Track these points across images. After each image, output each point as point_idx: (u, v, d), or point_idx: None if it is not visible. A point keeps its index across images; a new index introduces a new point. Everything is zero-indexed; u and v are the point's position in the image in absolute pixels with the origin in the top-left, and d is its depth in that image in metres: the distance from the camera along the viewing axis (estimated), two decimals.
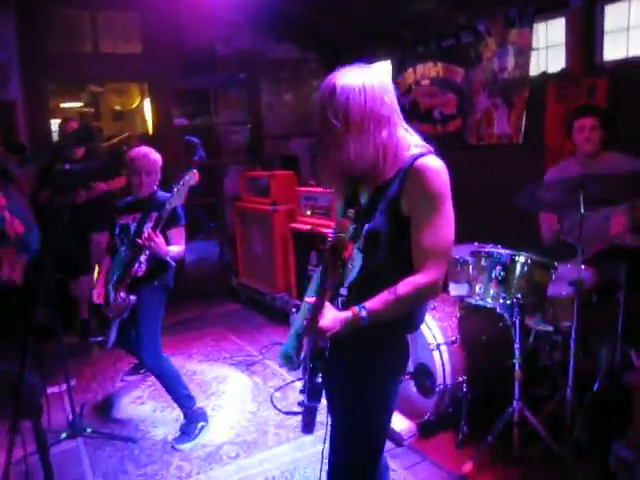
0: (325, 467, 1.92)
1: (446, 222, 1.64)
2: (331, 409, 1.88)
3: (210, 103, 6.37)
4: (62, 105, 8.89)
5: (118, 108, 9.25)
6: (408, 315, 1.74)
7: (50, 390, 3.48)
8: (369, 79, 1.61)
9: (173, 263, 3.35)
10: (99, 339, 3.33)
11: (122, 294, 3.22)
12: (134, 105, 8.90)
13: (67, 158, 4.79)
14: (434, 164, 1.64)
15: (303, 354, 1.89)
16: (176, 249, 3.25)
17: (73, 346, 4.54)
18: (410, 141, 1.71)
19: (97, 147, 4.84)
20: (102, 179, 4.73)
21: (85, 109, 9.51)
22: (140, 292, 3.26)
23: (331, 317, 1.59)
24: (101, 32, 5.79)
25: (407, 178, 1.64)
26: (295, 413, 3.46)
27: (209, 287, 6.11)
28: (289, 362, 1.98)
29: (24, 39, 5.35)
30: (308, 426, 1.75)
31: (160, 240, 3.06)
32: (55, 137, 5.88)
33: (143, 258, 3.23)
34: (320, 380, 1.70)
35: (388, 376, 1.80)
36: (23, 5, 5.30)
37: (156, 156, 3.39)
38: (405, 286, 1.61)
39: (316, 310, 1.59)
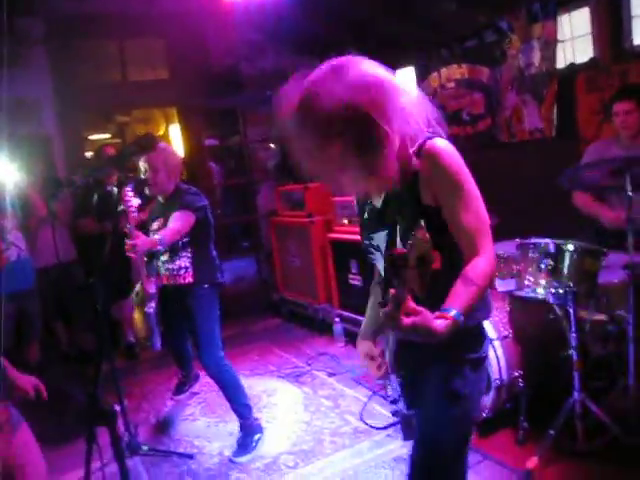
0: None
1: (476, 197, 1.60)
2: (419, 408, 1.82)
3: (239, 122, 6.46)
4: (90, 137, 9.10)
5: None
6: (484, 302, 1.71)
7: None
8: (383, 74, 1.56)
9: (216, 262, 3.42)
10: (147, 343, 3.39)
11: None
12: (160, 132, 9.07)
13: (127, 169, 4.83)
14: (442, 144, 1.60)
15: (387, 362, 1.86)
16: (167, 230, 3.12)
17: (119, 369, 4.60)
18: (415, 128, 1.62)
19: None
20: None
21: (112, 140, 9.71)
22: (192, 298, 3.29)
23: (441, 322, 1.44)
24: (128, 61, 5.96)
25: (420, 165, 1.60)
26: (386, 427, 3.35)
27: (249, 304, 6.15)
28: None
29: (56, 74, 5.55)
30: (409, 433, 1.74)
31: (140, 240, 2.99)
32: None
33: (187, 262, 3.27)
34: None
35: (473, 365, 1.74)
36: (53, 42, 5.49)
37: (166, 154, 3.34)
38: (475, 272, 1.53)
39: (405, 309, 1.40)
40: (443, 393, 1.73)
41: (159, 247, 3.14)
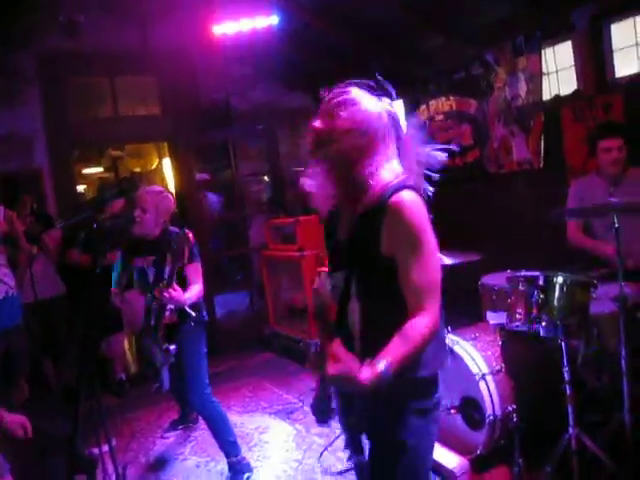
0: None
1: (432, 256, 1.62)
2: (370, 454, 1.80)
3: (230, 156, 6.49)
4: (84, 171, 9.11)
5: (138, 170, 9.43)
6: (427, 356, 1.67)
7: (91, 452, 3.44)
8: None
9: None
10: (155, 385, 3.29)
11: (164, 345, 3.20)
12: (153, 166, 9.09)
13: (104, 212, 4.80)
14: (409, 198, 1.62)
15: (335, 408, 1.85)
16: (195, 291, 3.19)
17: (108, 406, 4.53)
18: (390, 172, 1.69)
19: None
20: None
21: (105, 174, 9.73)
22: (179, 336, 3.23)
23: (368, 372, 1.48)
24: (120, 97, 5.98)
25: (384, 216, 1.63)
26: (341, 472, 3.32)
27: (241, 338, 6.10)
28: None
29: (48, 110, 5.55)
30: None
31: (178, 293, 3.02)
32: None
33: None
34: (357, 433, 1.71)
35: (420, 414, 1.73)
36: (45, 79, 5.52)
37: (158, 197, 3.36)
38: (415, 331, 1.55)
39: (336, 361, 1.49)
40: (387, 443, 1.72)
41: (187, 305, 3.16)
